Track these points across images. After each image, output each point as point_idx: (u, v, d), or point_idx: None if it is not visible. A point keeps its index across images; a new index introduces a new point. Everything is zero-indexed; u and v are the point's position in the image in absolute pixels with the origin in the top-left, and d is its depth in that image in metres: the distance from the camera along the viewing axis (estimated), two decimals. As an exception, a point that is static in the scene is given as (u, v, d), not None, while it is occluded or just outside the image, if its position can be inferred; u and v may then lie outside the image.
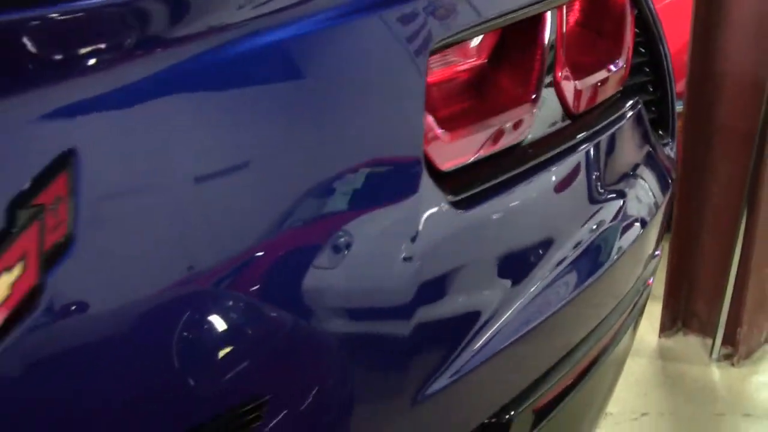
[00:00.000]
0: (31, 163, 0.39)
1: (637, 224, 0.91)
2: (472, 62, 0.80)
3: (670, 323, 2.31)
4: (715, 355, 2.22)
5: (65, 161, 0.40)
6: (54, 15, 0.39)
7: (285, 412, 0.49)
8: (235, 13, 0.45)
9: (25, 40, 0.38)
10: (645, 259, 0.97)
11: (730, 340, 2.21)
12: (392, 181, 0.56)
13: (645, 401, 1.99)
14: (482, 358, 0.65)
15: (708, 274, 2.25)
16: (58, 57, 0.39)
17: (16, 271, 0.38)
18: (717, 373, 2.16)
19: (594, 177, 0.86)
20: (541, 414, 0.78)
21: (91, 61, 0.40)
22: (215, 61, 0.44)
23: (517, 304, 0.69)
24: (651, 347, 2.24)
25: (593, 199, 0.85)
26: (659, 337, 2.27)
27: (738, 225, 2.10)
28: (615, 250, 0.83)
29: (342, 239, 0.52)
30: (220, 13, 0.44)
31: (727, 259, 2.15)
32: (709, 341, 2.26)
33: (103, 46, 0.40)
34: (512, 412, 0.72)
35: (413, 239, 0.57)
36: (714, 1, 1.97)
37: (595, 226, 0.82)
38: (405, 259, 0.56)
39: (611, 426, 1.86)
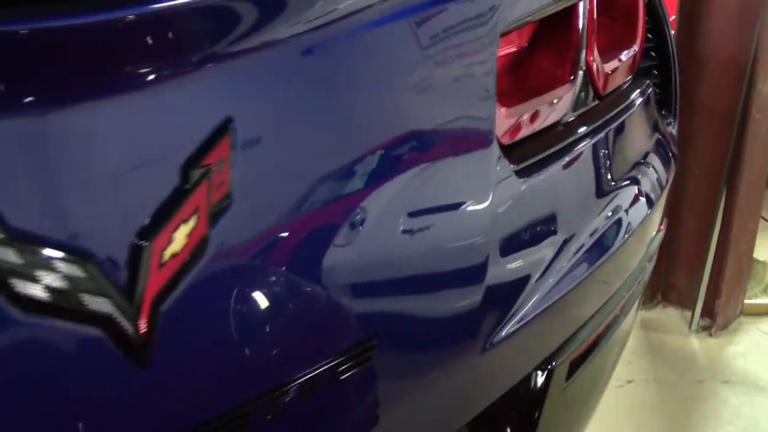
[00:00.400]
0: (200, 130, 0.45)
1: (656, 190, 0.99)
2: (510, 48, 0.87)
3: (651, 296, 2.41)
4: (693, 327, 2.32)
5: (226, 128, 0.46)
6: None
7: (389, 352, 0.56)
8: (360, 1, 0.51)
9: (199, 22, 0.44)
10: (657, 226, 1.06)
11: (708, 312, 2.32)
12: (472, 150, 0.63)
13: (630, 369, 2.09)
14: (535, 312, 0.73)
15: (688, 249, 2.35)
16: (226, 40, 0.45)
17: (191, 223, 0.45)
18: (696, 343, 2.26)
19: (619, 151, 0.94)
20: (574, 367, 0.86)
21: (248, 44, 0.46)
22: (347, 41, 0.51)
23: (564, 262, 0.76)
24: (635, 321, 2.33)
25: (619, 170, 0.92)
26: (640, 309, 2.37)
27: (718, 201, 2.19)
28: (640, 214, 0.91)
29: (439, 201, 0.59)
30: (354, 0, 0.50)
31: (707, 234, 2.25)
32: (688, 313, 2.36)
33: (256, 33, 0.46)
34: (554, 363, 0.80)
35: (490, 201, 0.64)
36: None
37: (623, 192, 0.90)
38: (482, 218, 0.63)
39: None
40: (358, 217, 0.53)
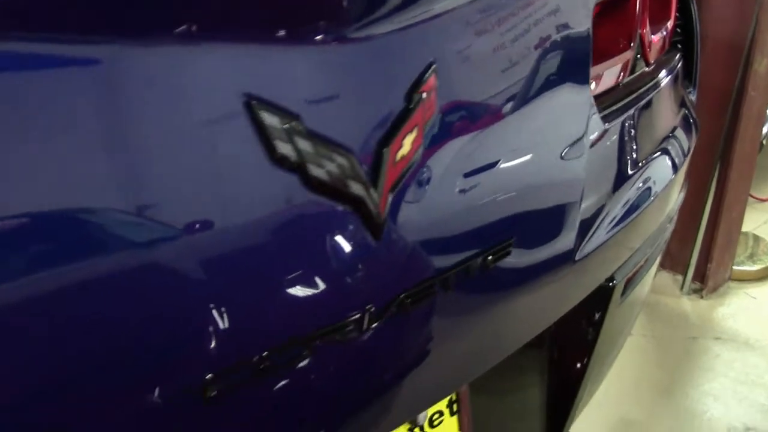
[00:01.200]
0: (417, 68, 0.61)
1: (685, 148, 1.16)
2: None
3: (646, 262, 2.60)
4: (685, 290, 2.52)
5: (432, 68, 0.62)
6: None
7: (520, 250, 0.73)
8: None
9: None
10: (681, 185, 1.24)
11: (699, 276, 2.52)
12: (577, 92, 0.80)
13: (630, 325, 2.28)
14: (608, 235, 0.90)
15: (681, 218, 2.53)
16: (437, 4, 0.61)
17: (414, 134, 0.61)
18: (688, 304, 2.46)
19: (660, 111, 1.11)
20: (627, 286, 1.03)
21: (447, 7, 0.63)
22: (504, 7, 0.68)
23: (627, 194, 0.94)
24: (630, 282, 2.52)
25: (661, 126, 1.10)
26: (636, 273, 2.56)
27: (712, 174, 2.38)
28: (678, 162, 1.09)
29: (557, 130, 0.76)
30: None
31: (700, 204, 2.44)
32: (680, 277, 2.56)
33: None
34: (615, 280, 0.97)
35: (586, 137, 0.81)
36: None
37: (667, 143, 1.07)
38: (581, 152, 0.80)
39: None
40: (512, 140, 0.70)
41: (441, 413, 0.89)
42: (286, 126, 0.53)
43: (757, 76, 2.25)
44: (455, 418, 0.89)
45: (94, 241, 0.45)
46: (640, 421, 1.83)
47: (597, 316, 0.97)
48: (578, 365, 1.01)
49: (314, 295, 0.56)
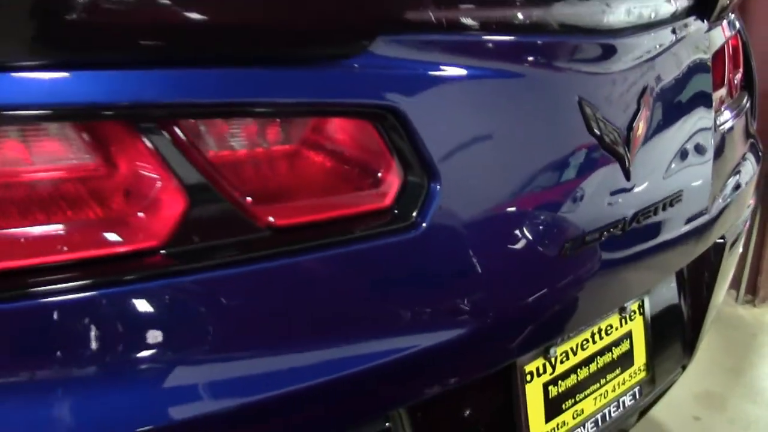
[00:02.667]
0: (641, 89, 1.13)
1: (755, 161, 1.67)
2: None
3: (704, 280, 3.07)
4: (739, 301, 2.99)
5: (646, 89, 1.14)
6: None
7: (686, 199, 1.24)
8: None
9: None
10: (751, 196, 1.74)
11: (750, 289, 2.99)
12: (706, 108, 1.32)
13: (698, 327, 2.75)
14: (721, 206, 1.40)
15: (731, 242, 3.01)
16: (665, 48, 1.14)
17: (643, 124, 1.12)
18: (743, 311, 2.93)
19: (744, 131, 1.62)
20: (732, 244, 1.53)
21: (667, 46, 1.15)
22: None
23: (732, 180, 1.45)
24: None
25: (744, 139, 1.61)
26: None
27: (758, 200, 2.88)
28: (753, 170, 1.59)
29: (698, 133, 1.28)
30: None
31: (749, 233, 2.93)
32: (734, 292, 3.03)
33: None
34: (725, 239, 1.47)
35: (712, 134, 1.32)
36: None
37: (747, 153, 1.58)
38: (709, 142, 1.31)
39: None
40: (680, 133, 1.22)
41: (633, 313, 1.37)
42: (595, 114, 1.04)
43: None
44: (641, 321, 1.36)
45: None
46: (719, 393, 2.29)
47: (715, 261, 1.46)
48: (704, 298, 1.50)
49: (607, 204, 1.07)
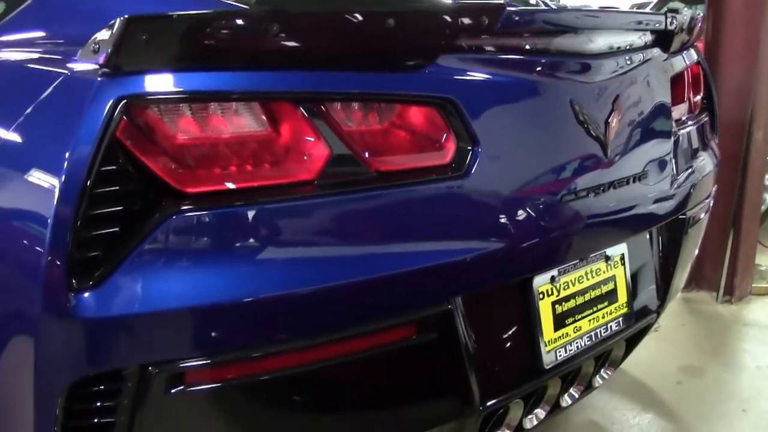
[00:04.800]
0: (614, 96, 1.62)
1: (713, 162, 2.15)
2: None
3: (687, 284, 3.53)
4: (719, 301, 3.44)
5: (618, 96, 1.63)
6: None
7: (651, 173, 1.72)
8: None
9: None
10: (712, 186, 2.21)
11: (728, 291, 3.45)
12: (666, 116, 1.82)
13: (681, 320, 3.20)
14: (680, 185, 1.88)
15: (711, 251, 3.48)
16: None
17: (615, 119, 1.61)
18: (722, 308, 3.38)
19: (701, 138, 2.11)
20: (691, 221, 2.00)
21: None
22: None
23: (688, 171, 1.93)
24: (677, 299, 3.45)
25: (700, 148, 2.10)
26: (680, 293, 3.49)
27: (731, 216, 3.36)
28: (712, 166, 2.08)
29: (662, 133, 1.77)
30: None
31: (724, 239, 3.40)
32: (714, 293, 3.49)
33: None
34: (686, 215, 1.95)
35: (672, 131, 1.82)
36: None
37: (704, 153, 2.07)
38: (670, 139, 1.80)
39: (663, 333, 3.04)
40: (647, 131, 1.71)
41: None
42: (582, 110, 1.53)
43: (756, 142, 3.26)
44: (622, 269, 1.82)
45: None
46: (699, 366, 2.75)
47: (679, 234, 1.94)
48: (671, 262, 1.97)
49: (591, 171, 1.55)
